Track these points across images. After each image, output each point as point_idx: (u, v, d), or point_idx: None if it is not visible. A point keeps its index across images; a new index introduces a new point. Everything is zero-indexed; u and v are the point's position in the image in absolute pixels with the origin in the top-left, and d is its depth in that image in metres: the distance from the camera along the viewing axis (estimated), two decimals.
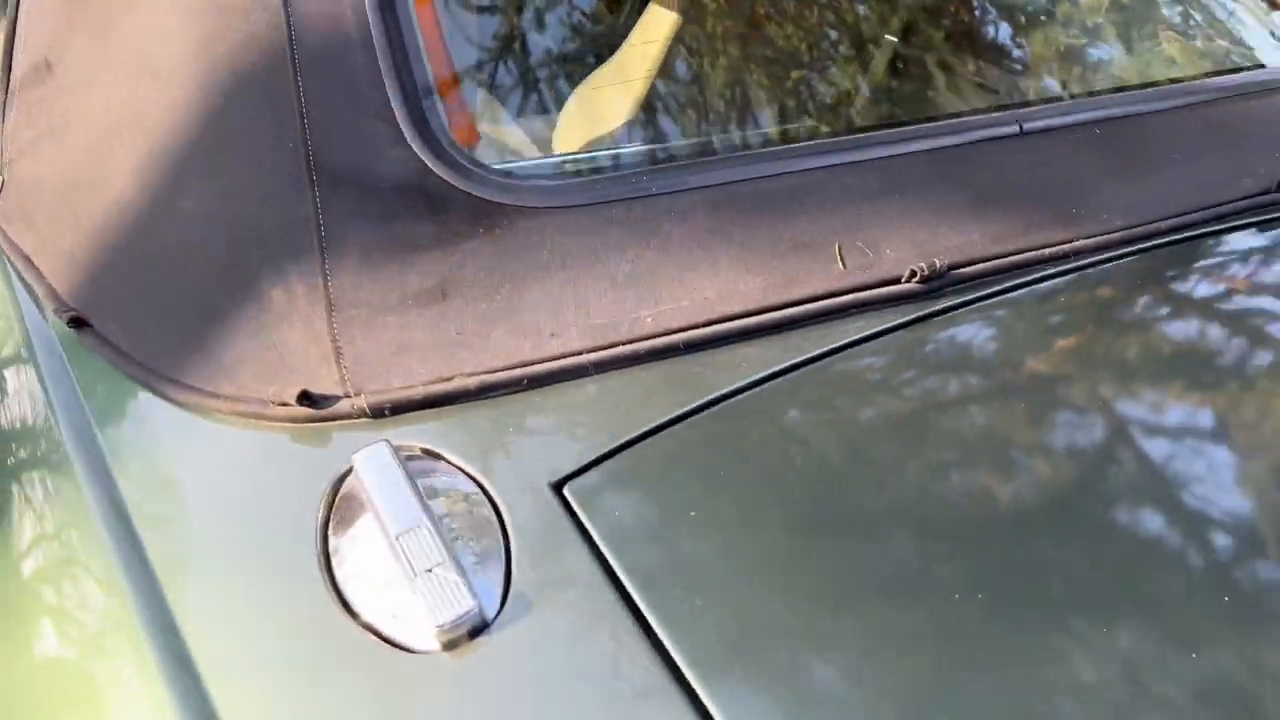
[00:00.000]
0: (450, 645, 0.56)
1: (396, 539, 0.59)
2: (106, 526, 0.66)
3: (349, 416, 0.69)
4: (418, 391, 0.69)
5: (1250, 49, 1.19)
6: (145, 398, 0.75)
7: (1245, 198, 0.97)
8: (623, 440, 0.66)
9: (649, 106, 0.94)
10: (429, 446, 0.67)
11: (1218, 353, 0.80)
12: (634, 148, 0.90)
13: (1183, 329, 0.83)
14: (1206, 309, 0.85)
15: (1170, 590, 0.58)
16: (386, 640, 0.57)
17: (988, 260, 0.84)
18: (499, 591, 0.59)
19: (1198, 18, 1.24)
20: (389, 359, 0.71)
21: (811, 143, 0.88)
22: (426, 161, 0.76)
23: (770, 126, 0.95)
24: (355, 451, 0.64)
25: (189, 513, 0.68)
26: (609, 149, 0.89)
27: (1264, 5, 1.26)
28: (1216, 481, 0.66)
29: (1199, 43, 1.19)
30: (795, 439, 0.69)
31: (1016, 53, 1.12)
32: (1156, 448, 0.69)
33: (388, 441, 0.65)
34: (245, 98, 0.79)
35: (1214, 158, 1.02)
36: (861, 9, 1.09)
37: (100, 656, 0.63)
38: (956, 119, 0.95)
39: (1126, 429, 0.71)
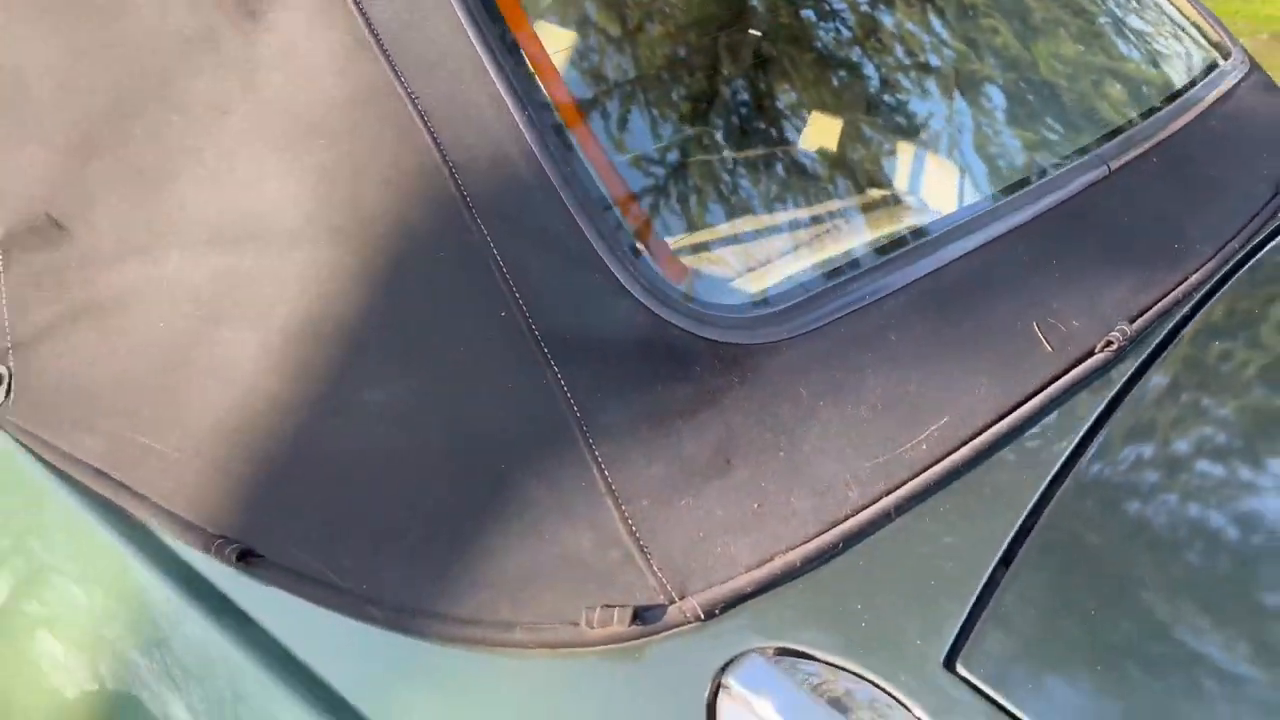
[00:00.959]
0: None
1: None
2: None
3: (679, 624, 0.61)
4: (742, 581, 0.62)
5: (1203, 53, 1.29)
6: (382, 638, 0.63)
7: (1271, 198, 1.07)
8: (976, 594, 0.63)
9: (833, 210, 0.88)
10: (785, 645, 0.61)
11: None
12: (833, 255, 0.84)
13: None
14: None
15: None
16: None
17: (1145, 311, 0.86)
18: None
19: (1148, 39, 1.32)
20: (700, 549, 0.63)
21: (974, 218, 0.86)
22: (654, 310, 0.68)
23: (938, 210, 0.93)
24: (716, 667, 0.58)
25: None
26: (812, 261, 0.83)
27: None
28: None
29: (1168, 58, 1.28)
30: (1115, 544, 0.69)
31: (1073, 95, 1.15)
32: None
33: (759, 652, 0.58)
34: (423, 262, 0.67)
35: (1232, 166, 1.10)
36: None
37: None
38: (1058, 172, 0.96)
39: None
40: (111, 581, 0.71)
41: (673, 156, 0.86)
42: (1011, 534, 0.67)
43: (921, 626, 0.62)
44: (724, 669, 0.59)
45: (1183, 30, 1.32)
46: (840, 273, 0.79)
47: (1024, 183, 0.94)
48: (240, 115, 0.70)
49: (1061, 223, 0.91)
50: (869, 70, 1.07)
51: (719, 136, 0.91)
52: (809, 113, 0.95)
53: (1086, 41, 1.25)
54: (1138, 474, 0.74)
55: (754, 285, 0.79)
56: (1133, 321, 0.85)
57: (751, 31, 1.00)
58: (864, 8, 1.11)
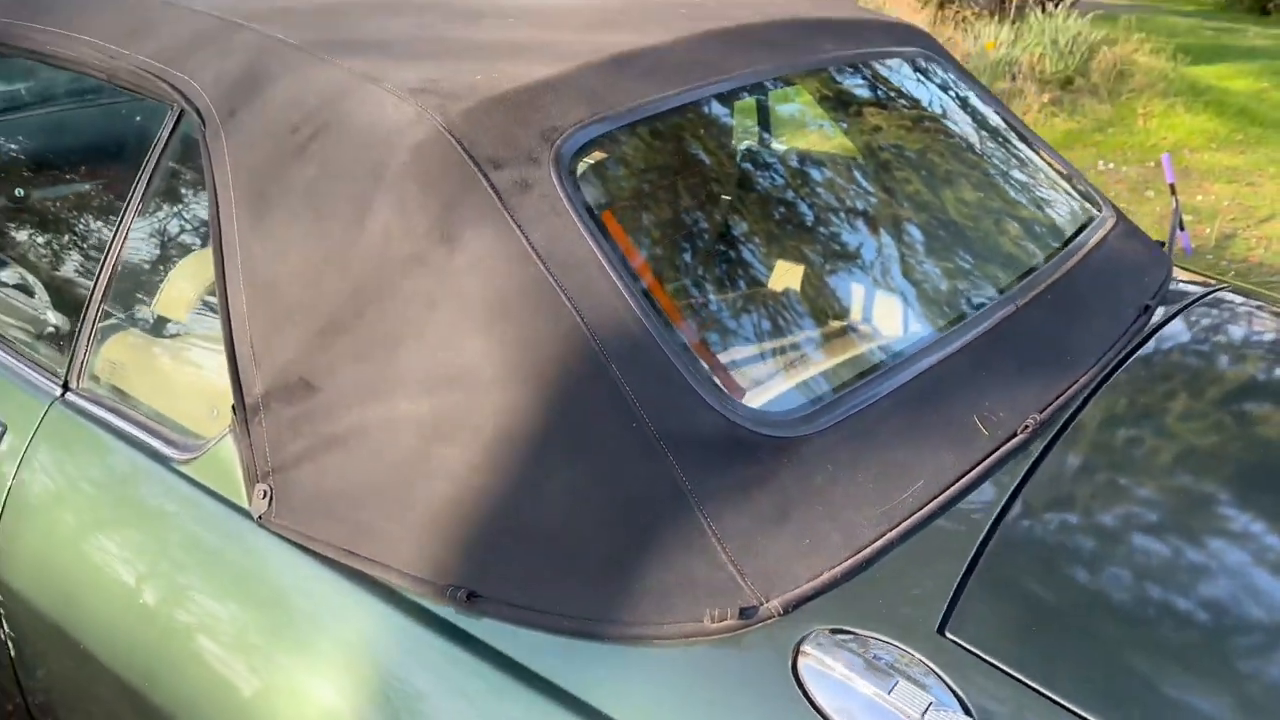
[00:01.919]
0: None
1: (888, 694, 0.87)
2: None
3: (768, 618, 0.95)
4: (805, 589, 0.97)
5: (1078, 207, 1.73)
6: (571, 642, 0.95)
7: (1139, 314, 1.47)
8: (952, 589, 0.98)
9: (836, 344, 1.27)
10: (835, 625, 0.95)
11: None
12: (838, 376, 1.22)
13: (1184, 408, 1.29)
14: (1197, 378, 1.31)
15: None
16: None
17: (1050, 404, 1.24)
18: (959, 705, 0.88)
19: (1032, 195, 1.76)
20: (776, 569, 0.97)
21: (930, 344, 1.25)
22: (728, 417, 1.04)
23: (904, 338, 1.31)
24: (794, 642, 0.91)
25: (684, 717, 0.91)
26: (826, 381, 1.21)
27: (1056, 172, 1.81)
28: None
29: (1050, 214, 1.71)
30: (1041, 553, 1.04)
31: (991, 249, 1.57)
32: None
33: (819, 630, 0.92)
34: (578, 392, 1.02)
35: (1107, 295, 1.51)
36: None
37: None
38: (982, 309, 1.36)
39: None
40: (362, 631, 1.03)
41: (726, 316, 1.24)
42: (972, 552, 1.02)
43: (919, 609, 0.96)
44: (800, 641, 0.93)
45: (1062, 188, 1.75)
46: (844, 388, 1.16)
47: (961, 317, 1.34)
48: (444, 306, 1.06)
49: (988, 344, 1.29)
50: (846, 230, 1.48)
51: (750, 296, 1.30)
52: (806, 274, 1.35)
53: (1001, 203, 1.67)
54: (1051, 509, 1.11)
55: (789, 399, 1.16)
56: (1041, 412, 1.23)
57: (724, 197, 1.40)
58: (853, 191, 1.53)
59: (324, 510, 1.07)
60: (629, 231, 1.22)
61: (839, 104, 1.68)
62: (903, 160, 1.64)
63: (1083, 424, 1.24)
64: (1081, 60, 7.16)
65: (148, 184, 1.33)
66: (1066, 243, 1.61)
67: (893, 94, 1.71)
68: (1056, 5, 8.48)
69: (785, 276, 1.36)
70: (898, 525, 1.04)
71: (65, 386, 1.34)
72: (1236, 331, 1.59)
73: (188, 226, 1.44)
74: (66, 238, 1.52)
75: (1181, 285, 1.70)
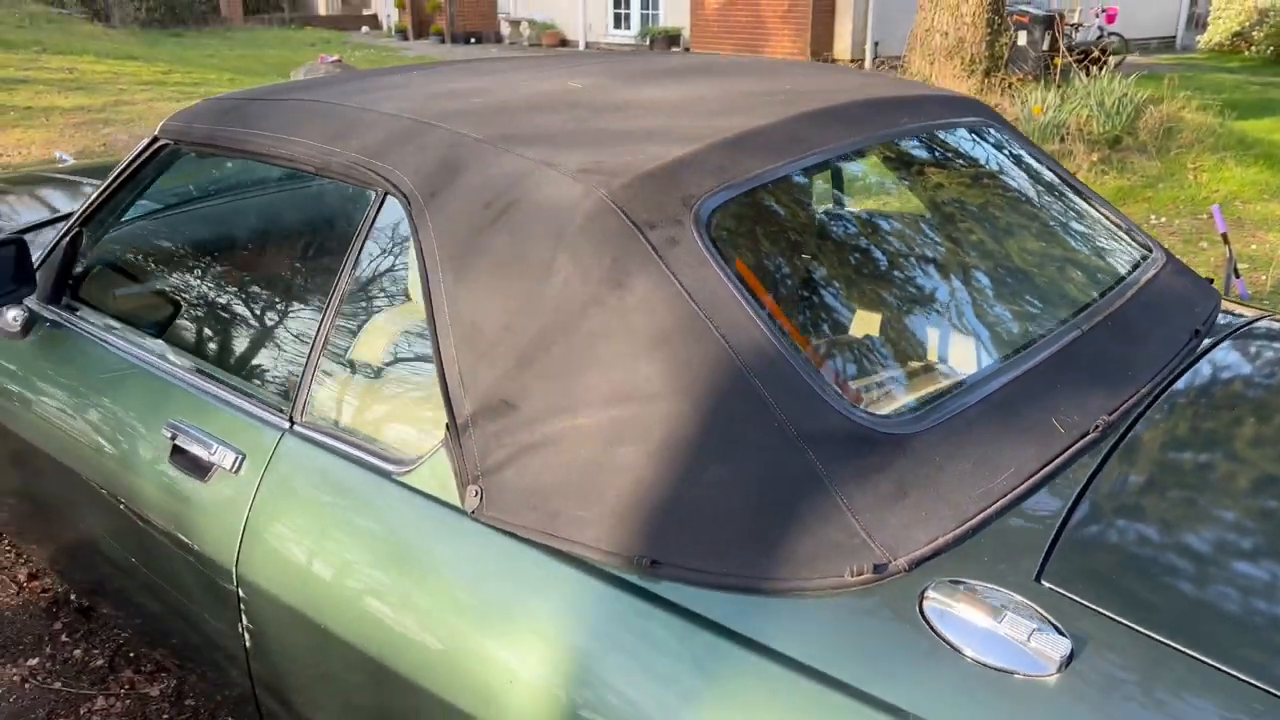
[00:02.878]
0: (1060, 669, 1.07)
1: (1001, 623, 1.10)
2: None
3: (895, 573, 1.19)
4: (925, 550, 1.21)
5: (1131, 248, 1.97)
6: (737, 599, 1.20)
7: (1191, 337, 1.71)
8: (1046, 546, 1.21)
9: (936, 354, 1.53)
10: (952, 578, 1.19)
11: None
12: (941, 384, 1.47)
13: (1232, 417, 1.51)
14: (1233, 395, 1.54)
15: None
16: (1018, 675, 1.08)
17: (1115, 409, 1.48)
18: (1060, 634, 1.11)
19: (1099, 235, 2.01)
20: (898, 536, 1.22)
21: (1012, 361, 1.50)
22: (855, 421, 1.29)
23: (994, 352, 1.57)
24: (919, 590, 1.15)
25: (838, 650, 1.14)
26: (930, 388, 1.46)
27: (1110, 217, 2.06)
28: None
29: (1107, 255, 1.96)
30: (1116, 516, 1.27)
31: (1062, 282, 1.82)
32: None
33: (939, 581, 1.16)
34: (729, 402, 1.28)
35: (1160, 322, 1.75)
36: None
37: None
38: (1056, 332, 1.61)
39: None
40: (563, 597, 1.28)
41: (841, 340, 1.51)
42: (1058, 523, 1.26)
43: (1018, 564, 1.20)
44: (924, 590, 1.17)
45: (1117, 234, 2.00)
46: (942, 396, 1.41)
47: (1035, 340, 1.58)
48: (618, 337, 1.34)
49: (1059, 362, 1.54)
50: (934, 270, 1.74)
51: (858, 324, 1.57)
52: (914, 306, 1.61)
53: (1064, 248, 1.93)
54: (1122, 490, 1.34)
55: (900, 402, 1.41)
56: (1110, 415, 1.46)
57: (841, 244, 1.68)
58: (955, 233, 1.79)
59: (526, 503, 1.34)
60: (756, 275, 1.50)
61: (916, 168, 1.95)
62: (977, 213, 1.91)
63: (1147, 424, 1.47)
64: (1129, 119, 7.39)
65: (358, 255, 1.64)
66: (1123, 279, 1.85)
67: (961, 158, 1.99)
68: (1101, 68, 8.76)
69: (883, 310, 1.62)
70: (995, 502, 1.28)
71: (291, 421, 1.64)
72: (1275, 351, 1.81)
73: (386, 288, 1.75)
74: (284, 300, 1.83)
75: (1230, 315, 1.93)
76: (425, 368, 1.65)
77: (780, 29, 14.99)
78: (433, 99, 1.78)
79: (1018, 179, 2.05)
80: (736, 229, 1.54)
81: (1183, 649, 1.08)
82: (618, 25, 18.32)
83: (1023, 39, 10.60)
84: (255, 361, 1.83)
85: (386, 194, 1.62)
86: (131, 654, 2.56)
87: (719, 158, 1.55)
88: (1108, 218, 2.06)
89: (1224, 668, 1.06)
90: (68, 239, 2.16)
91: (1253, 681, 1.05)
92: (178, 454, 1.73)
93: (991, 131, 2.08)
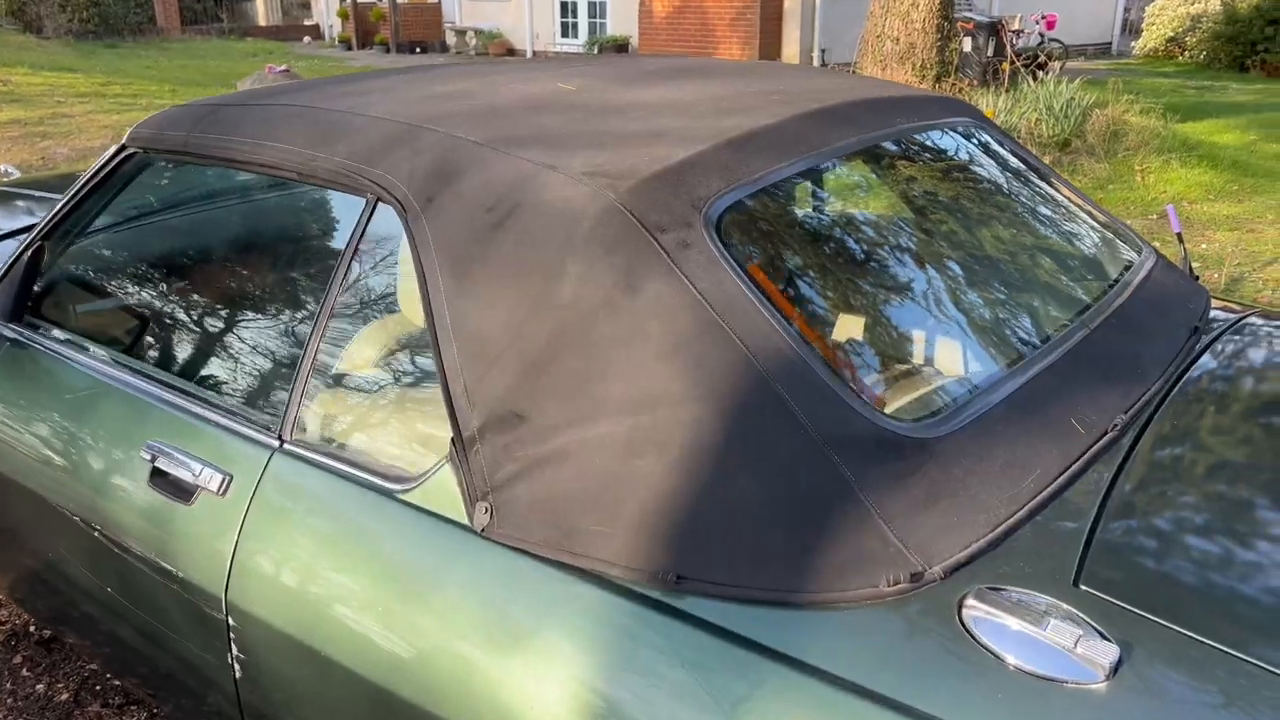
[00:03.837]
0: (1109, 677, 1.05)
1: (1045, 630, 1.07)
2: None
3: (931, 581, 1.16)
4: (960, 556, 1.18)
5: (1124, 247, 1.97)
6: (767, 613, 1.16)
7: (1190, 334, 1.71)
8: (1080, 550, 1.19)
9: (955, 362, 1.50)
10: (989, 585, 1.15)
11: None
12: (962, 389, 1.45)
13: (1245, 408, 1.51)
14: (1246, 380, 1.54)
15: None
16: (1066, 684, 1.05)
17: (1130, 408, 1.47)
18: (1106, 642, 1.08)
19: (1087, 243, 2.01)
20: (932, 542, 1.19)
21: (1026, 362, 1.48)
22: (881, 425, 1.26)
23: (1010, 353, 1.54)
24: (957, 598, 1.12)
25: (877, 663, 1.11)
26: (951, 394, 1.43)
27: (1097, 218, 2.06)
28: None
29: (1103, 254, 1.96)
30: (1144, 515, 1.25)
31: (1065, 285, 1.81)
32: None
33: (977, 588, 1.13)
34: (750, 409, 1.24)
35: (1159, 319, 1.75)
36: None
37: None
38: (1064, 332, 1.59)
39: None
40: (583, 616, 1.23)
41: (861, 342, 1.48)
42: (1089, 524, 1.24)
43: (1056, 568, 1.17)
44: (962, 597, 1.13)
45: (1108, 232, 2.00)
46: (965, 399, 1.38)
47: (1047, 339, 1.57)
48: (632, 343, 1.29)
49: (1072, 362, 1.52)
50: (938, 271, 1.72)
51: (875, 326, 1.54)
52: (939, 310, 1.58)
53: (1064, 247, 1.92)
54: (1147, 487, 1.32)
55: (921, 408, 1.38)
56: (1126, 413, 1.45)
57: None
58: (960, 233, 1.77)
59: (540, 519, 1.28)
60: (770, 277, 1.46)
61: (916, 166, 1.94)
62: (979, 213, 1.89)
63: (1162, 421, 1.46)
64: (1076, 123, 7.53)
65: (348, 264, 1.57)
66: (1120, 277, 1.85)
67: (958, 158, 1.97)
68: (1046, 73, 8.92)
69: (899, 312, 1.60)
70: (1025, 504, 1.25)
71: (281, 439, 1.56)
72: (1272, 345, 1.82)
73: (379, 298, 1.68)
74: (273, 314, 1.75)
75: (1220, 311, 1.93)
76: (424, 381, 1.59)
77: (728, 36, 15.06)
78: (422, 102, 1.72)
79: (1014, 179, 2.04)
80: (747, 230, 1.50)
81: (1233, 652, 1.06)
82: (565, 34, 18.28)
83: (968, 45, 10.77)
84: (240, 378, 1.75)
85: (378, 201, 1.56)
86: (99, 687, 2.45)
87: (725, 158, 1.51)
88: (1097, 216, 2.06)
89: (1277, 670, 1.04)
90: (29, 253, 2.05)
91: None
92: (158, 476, 1.65)
93: (980, 131, 2.08)
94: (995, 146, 2.07)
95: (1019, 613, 1.10)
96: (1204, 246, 5.68)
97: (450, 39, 20.05)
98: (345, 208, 1.58)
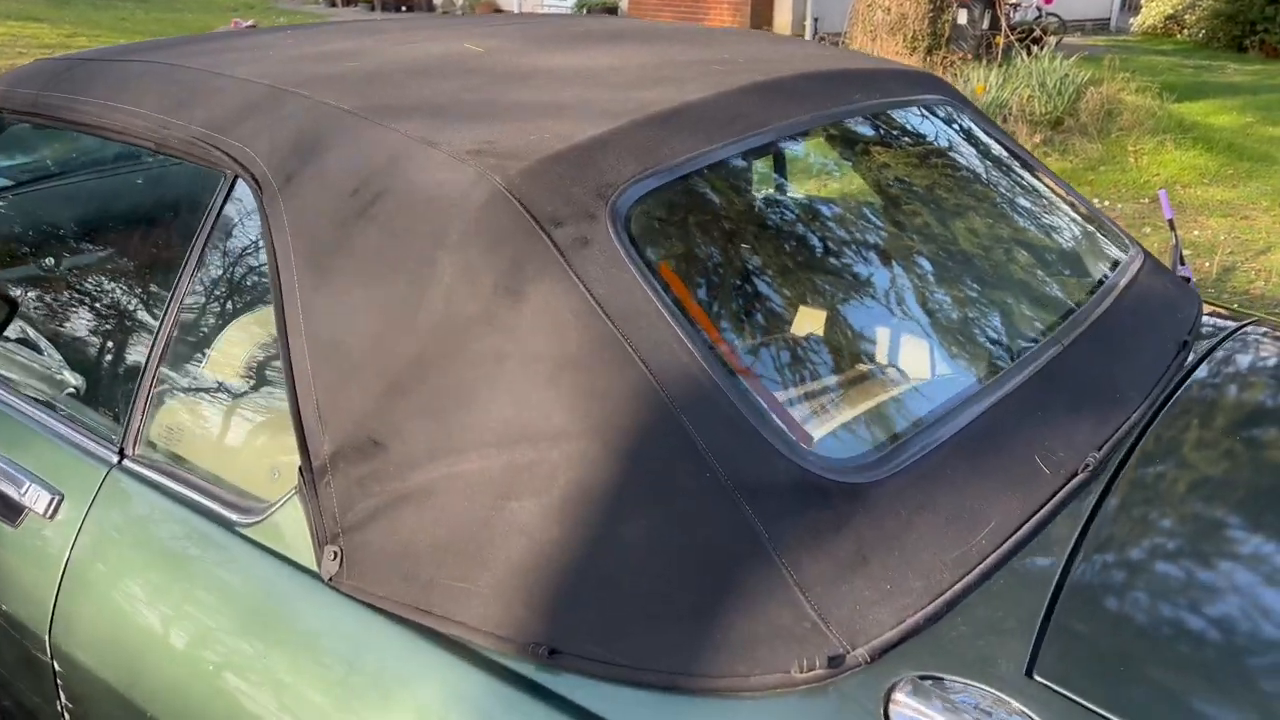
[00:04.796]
0: None
1: None
2: None
3: (855, 666, 0.95)
4: (890, 635, 0.97)
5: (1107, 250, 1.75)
6: (655, 698, 0.95)
7: (1179, 350, 1.49)
8: (1036, 630, 0.98)
9: (893, 388, 1.28)
10: (923, 672, 0.95)
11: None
12: (901, 420, 1.23)
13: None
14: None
15: None
16: None
17: (1105, 442, 1.25)
18: None
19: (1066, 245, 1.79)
20: (858, 616, 0.97)
21: (983, 388, 1.26)
22: (805, 467, 1.04)
23: (967, 375, 1.32)
24: (884, 689, 0.91)
25: None
26: (887, 425, 1.21)
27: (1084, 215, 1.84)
28: None
29: (1084, 255, 1.73)
30: (1118, 581, 1.04)
31: (1035, 294, 1.59)
32: None
33: (914, 676, 0.92)
34: (649, 442, 1.02)
35: (1144, 332, 1.53)
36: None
37: None
38: (1031, 351, 1.37)
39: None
40: (440, 689, 1.02)
41: (786, 363, 1.25)
42: (1050, 591, 1.03)
43: (1006, 651, 0.96)
44: (890, 689, 0.92)
45: (1090, 229, 1.78)
46: (907, 433, 1.17)
47: (1013, 358, 1.35)
48: (511, 362, 1.07)
49: (1040, 385, 1.31)
50: (892, 276, 1.50)
51: (807, 344, 1.31)
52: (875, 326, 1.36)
53: (1038, 246, 1.70)
54: (1122, 546, 1.11)
55: (855, 444, 1.17)
56: (1099, 450, 1.23)
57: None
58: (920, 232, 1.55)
59: (396, 570, 1.07)
60: (686, 282, 1.24)
61: (870, 152, 1.71)
62: (941, 208, 1.67)
63: (1141, 459, 1.25)
64: (1070, 101, 7.28)
65: (202, 250, 1.34)
66: (1102, 281, 1.63)
67: (921, 141, 1.74)
68: (1041, 48, 8.65)
69: (838, 324, 1.37)
70: (975, 568, 1.04)
71: (121, 453, 1.34)
72: (1272, 363, 1.61)
73: (239, 291, 1.45)
74: (117, 305, 1.52)
75: (1213, 319, 1.72)
76: (282, 392, 1.36)
77: (719, 3, 14.70)
78: (298, 61, 1.48)
79: (982, 167, 1.81)
80: (663, 225, 1.28)
81: None
82: None
83: (963, 17, 10.45)
84: (77, 379, 1.53)
85: (236, 177, 1.32)
86: None
87: (643, 138, 1.28)
88: (1080, 210, 1.83)
89: None
90: None
91: None
92: None
93: (951, 111, 1.85)
94: (970, 129, 1.84)
95: (957, 713, 0.90)
96: (1196, 233, 5.46)
97: None
98: (203, 185, 1.35)
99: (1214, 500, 1.22)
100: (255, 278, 1.45)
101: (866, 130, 1.66)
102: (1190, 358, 1.53)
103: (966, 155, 1.81)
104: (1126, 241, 1.81)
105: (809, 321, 1.35)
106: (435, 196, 1.15)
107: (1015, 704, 0.91)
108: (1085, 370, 1.37)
